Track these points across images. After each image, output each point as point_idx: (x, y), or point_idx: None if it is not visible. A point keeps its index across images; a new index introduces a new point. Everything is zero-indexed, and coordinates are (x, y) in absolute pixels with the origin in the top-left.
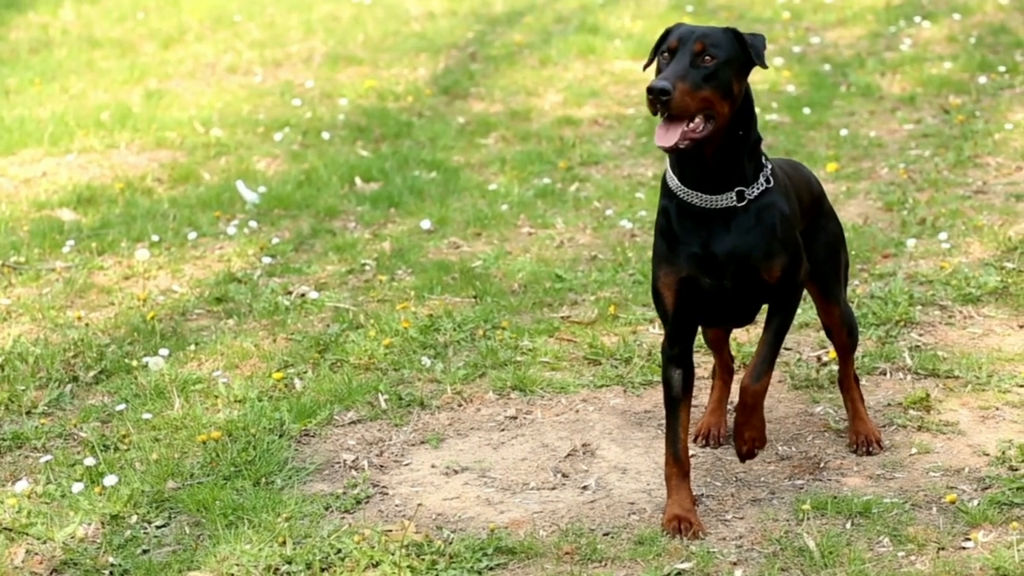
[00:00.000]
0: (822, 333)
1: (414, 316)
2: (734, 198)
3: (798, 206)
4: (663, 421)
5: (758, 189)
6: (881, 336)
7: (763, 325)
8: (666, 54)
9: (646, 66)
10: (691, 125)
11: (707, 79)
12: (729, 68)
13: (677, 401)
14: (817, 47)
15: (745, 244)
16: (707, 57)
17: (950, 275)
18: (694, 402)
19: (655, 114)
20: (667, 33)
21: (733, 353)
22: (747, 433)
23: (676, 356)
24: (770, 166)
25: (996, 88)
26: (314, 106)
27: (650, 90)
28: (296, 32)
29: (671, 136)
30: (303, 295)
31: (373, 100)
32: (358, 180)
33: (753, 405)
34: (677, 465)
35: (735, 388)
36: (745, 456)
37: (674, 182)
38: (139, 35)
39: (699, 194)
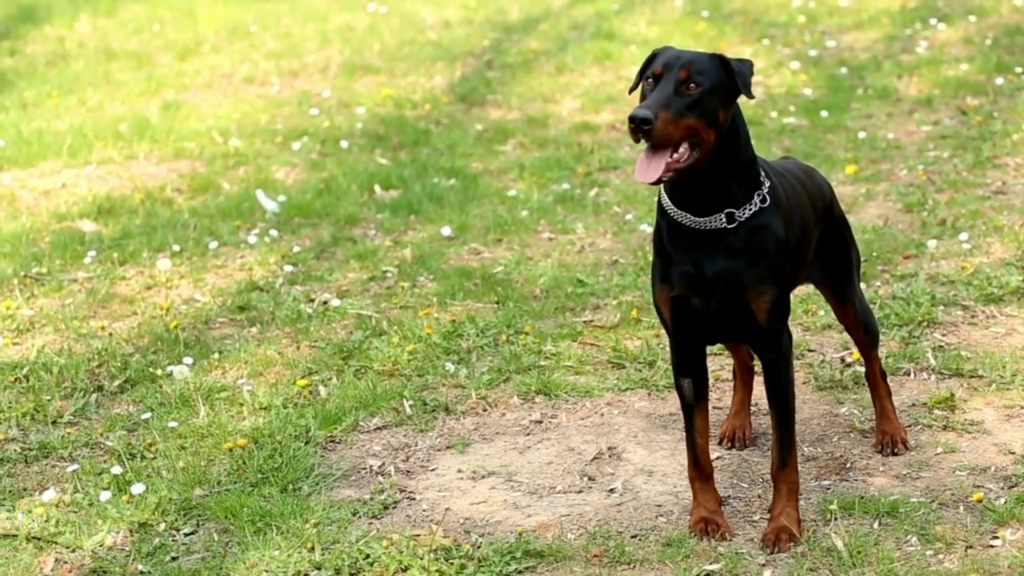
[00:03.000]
0: (846, 334)
1: (437, 322)
2: (724, 219)
3: (812, 215)
4: None
5: (750, 210)
6: (904, 337)
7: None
8: (651, 80)
9: (631, 90)
10: (675, 155)
11: (691, 107)
12: (715, 96)
13: (691, 408)
14: (833, 50)
15: (735, 266)
16: (692, 85)
17: (972, 275)
18: (719, 404)
19: (637, 142)
20: (652, 57)
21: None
22: (777, 525)
23: (684, 365)
24: (768, 184)
25: (1013, 89)
26: (332, 115)
27: (632, 119)
28: (312, 42)
29: (654, 170)
30: (325, 302)
31: (390, 108)
32: (377, 188)
33: (789, 491)
34: (698, 470)
35: (757, 389)
36: (771, 550)
37: (666, 201)
38: (155, 47)
39: (688, 215)
